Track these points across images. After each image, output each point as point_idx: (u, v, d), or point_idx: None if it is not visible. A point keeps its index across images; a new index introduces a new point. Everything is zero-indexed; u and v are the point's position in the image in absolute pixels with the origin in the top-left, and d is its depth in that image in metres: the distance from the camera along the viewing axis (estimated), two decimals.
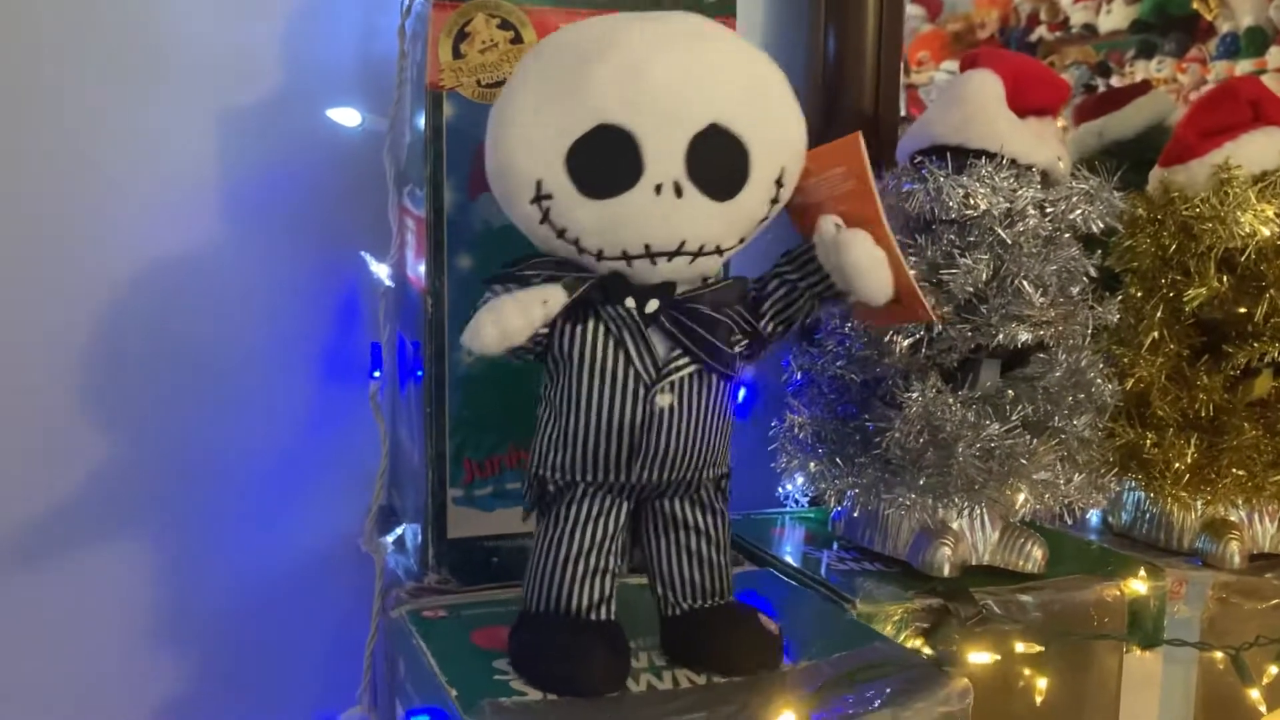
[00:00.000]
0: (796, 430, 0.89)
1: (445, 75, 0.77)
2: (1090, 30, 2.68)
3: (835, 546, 0.94)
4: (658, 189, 0.61)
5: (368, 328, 0.97)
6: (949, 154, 0.83)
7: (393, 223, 0.88)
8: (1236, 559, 0.91)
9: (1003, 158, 0.82)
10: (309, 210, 0.94)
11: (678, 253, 0.63)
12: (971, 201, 0.81)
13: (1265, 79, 2.30)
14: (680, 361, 0.64)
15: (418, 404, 0.85)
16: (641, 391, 0.64)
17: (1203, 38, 2.50)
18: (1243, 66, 2.36)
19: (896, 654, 0.70)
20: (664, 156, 0.61)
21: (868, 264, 0.64)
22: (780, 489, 1.00)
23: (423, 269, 0.81)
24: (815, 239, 0.66)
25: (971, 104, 0.84)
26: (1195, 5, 2.51)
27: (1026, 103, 0.85)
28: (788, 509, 1.02)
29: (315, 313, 0.96)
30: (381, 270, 0.87)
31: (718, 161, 0.62)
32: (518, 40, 0.78)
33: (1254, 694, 0.86)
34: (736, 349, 0.67)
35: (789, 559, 0.92)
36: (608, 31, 0.62)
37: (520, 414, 0.82)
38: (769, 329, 0.68)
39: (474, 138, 0.77)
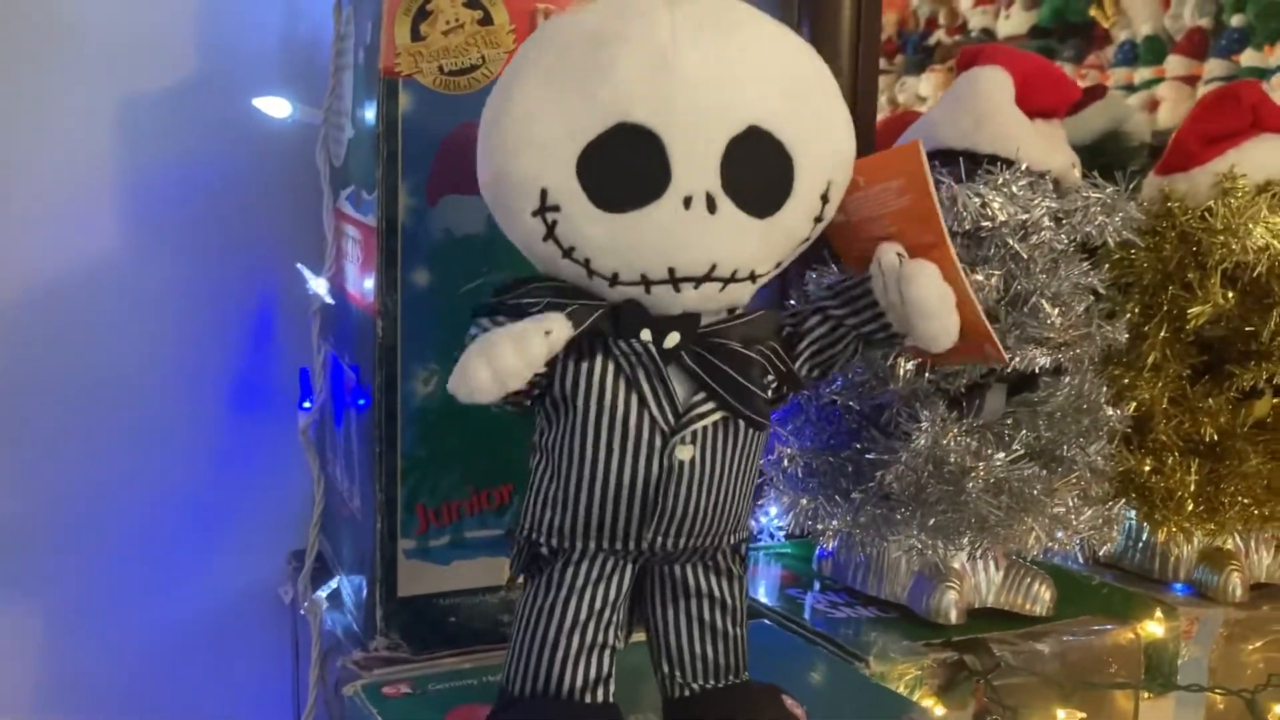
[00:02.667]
0: (786, 463, 0.80)
1: (402, 60, 0.66)
2: (989, 35, 2.68)
3: (819, 587, 0.86)
4: (687, 202, 0.51)
5: (290, 349, 0.85)
6: (958, 159, 0.75)
7: (327, 230, 0.76)
8: (1239, 591, 0.86)
9: (1018, 164, 0.75)
10: (225, 213, 0.83)
11: (707, 278, 0.53)
12: (989, 212, 0.73)
13: (1163, 88, 2.33)
14: (704, 407, 0.54)
15: (360, 438, 0.74)
16: (658, 442, 0.54)
17: (1100, 44, 2.53)
18: (1141, 74, 2.38)
19: None
20: (695, 163, 0.51)
21: (936, 304, 0.55)
22: (753, 522, 0.92)
23: (368, 284, 0.70)
24: (873, 270, 0.57)
25: (983, 104, 0.76)
26: (1093, 12, 2.53)
27: (1034, 104, 0.78)
28: (763, 544, 0.94)
29: (230, 331, 0.85)
30: (320, 285, 0.75)
31: (758, 171, 0.52)
32: (487, 21, 0.67)
33: None
34: (768, 393, 0.57)
35: (767, 601, 0.83)
36: (628, 13, 0.52)
37: (482, 451, 0.72)
38: (804, 371, 0.58)
39: (435, 133, 0.68)
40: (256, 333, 0.85)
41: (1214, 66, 2.24)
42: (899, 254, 0.56)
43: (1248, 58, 2.18)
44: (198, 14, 0.80)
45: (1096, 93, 1.27)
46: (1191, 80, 2.26)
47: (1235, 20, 2.23)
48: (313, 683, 0.73)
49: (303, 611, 0.76)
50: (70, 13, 0.77)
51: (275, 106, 0.77)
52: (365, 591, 0.73)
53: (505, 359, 0.50)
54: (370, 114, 0.68)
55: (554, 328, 0.52)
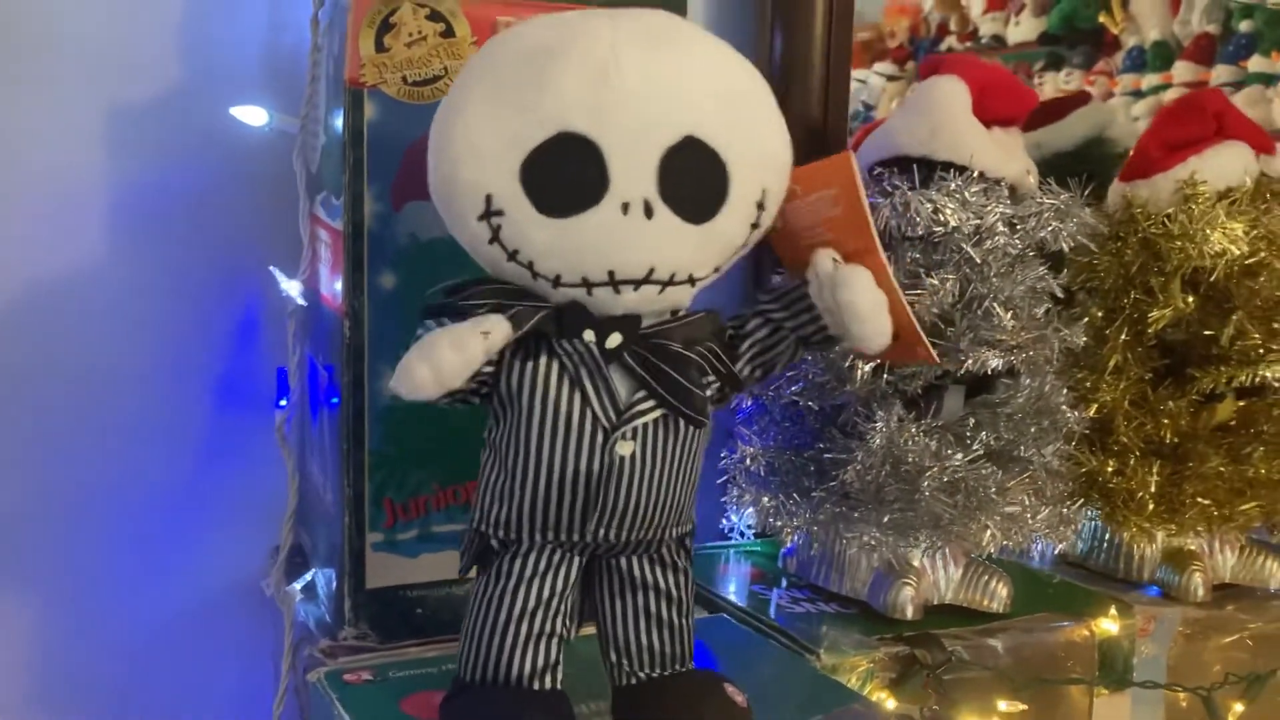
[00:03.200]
0: (748, 462, 0.82)
1: (366, 71, 0.68)
2: (999, 42, 2.69)
3: (785, 584, 0.88)
4: (625, 208, 0.53)
5: (271, 350, 0.88)
6: (914, 166, 0.77)
7: (304, 234, 0.79)
8: (1201, 591, 0.88)
9: (972, 171, 0.77)
10: (207, 218, 0.85)
11: (646, 281, 0.55)
12: (940, 217, 0.75)
13: (1171, 94, 2.33)
14: (645, 405, 0.56)
15: (331, 436, 0.76)
16: (600, 438, 0.56)
17: (1109, 51, 2.53)
18: (1149, 80, 2.39)
19: (879, 719, 0.64)
20: (633, 171, 0.53)
21: (868, 308, 0.58)
22: (724, 521, 0.94)
23: (339, 287, 0.73)
24: (810, 275, 0.59)
25: (939, 113, 0.78)
26: (1102, 19, 2.53)
27: (992, 112, 0.80)
28: (733, 542, 0.96)
29: (212, 332, 0.87)
30: (293, 288, 0.78)
31: (693, 179, 0.55)
32: (449, 34, 0.69)
33: None
34: (708, 392, 0.59)
35: (735, 598, 0.85)
36: (571, 27, 0.54)
37: (448, 449, 0.75)
38: (745, 372, 0.61)
39: (399, 141, 0.70)
40: (239, 333, 0.87)
41: (1221, 72, 2.24)
42: (834, 259, 0.58)
43: (1255, 63, 2.18)
44: (182, 26, 0.82)
45: (1079, 99, 1.29)
46: (1199, 86, 2.26)
47: (1244, 26, 2.23)
48: (284, 671, 0.75)
49: (275, 599, 0.79)
50: (58, 25, 0.80)
51: (252, 115, 0.80)
52: (335, 583, 0.75)
53: (444, 358, 0.53)
54: (339, 122, 0.71)
55: (492, 329, 0.54)
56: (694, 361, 0.58)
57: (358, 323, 0.71)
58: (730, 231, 0.57)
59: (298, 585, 0.80)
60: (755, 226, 0.58)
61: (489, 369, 0.56)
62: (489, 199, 0.54)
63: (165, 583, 0.89)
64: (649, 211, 0.54)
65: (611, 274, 0.55)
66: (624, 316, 0.56)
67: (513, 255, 0.55)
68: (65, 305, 0.82)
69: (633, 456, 0.56)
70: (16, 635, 0.85)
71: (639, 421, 0.56)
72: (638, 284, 0.55)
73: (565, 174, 0.53)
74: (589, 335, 0.56)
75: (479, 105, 0.54)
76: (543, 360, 0.56)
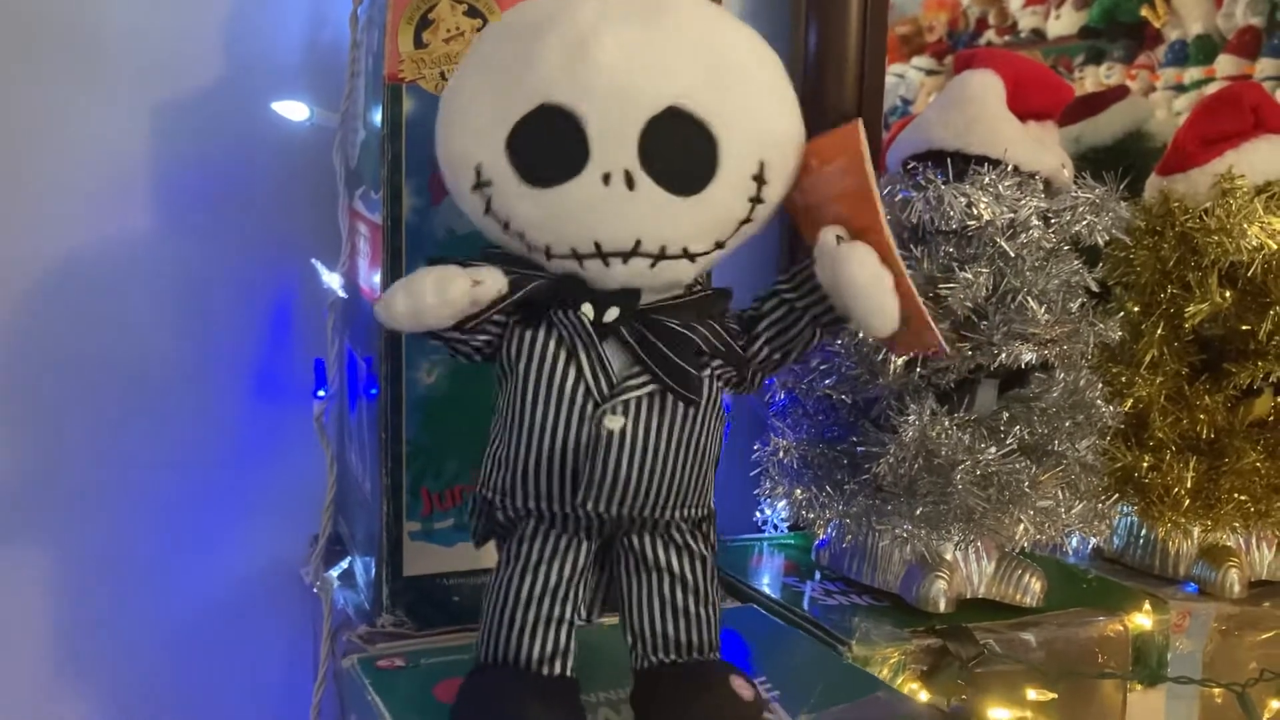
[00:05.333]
0: (781, 454, 0.83)
1: (405, 67, 0.69)
2: (1039, 35, 2.66)
3: (819, 577, 0.88)
4: (606, 179, 0.54)
5: (310, 341, 0.89)
6: (948, 160, 0.77)
7: (342, 227, 0.80)
8: (1237, 587, 0.87)
9: (1006, 165, 0.77)
10: (249, 211, 0.86)
11: (634, 253, 0.55)
12: (974, 211, 0.75)
13: (1212, 88, 2.31)
14: (636, 380, 0.56)
15: (369, 425, 0.77)
16: (590, 410, 0.56)
17: (1151, 44, 2.50)
18: (1191, 74, 2.36)
19: (904, 707, 0.64)
20: (613, 142, 0.53)
21: (867, 284, 0.56)
22: (758, 513, 0.94)
23: (377, 279, 0.74)
24: (816, 252, 0.58)
25: (973, 106, 0.78)
26: (1144, 12, 2.50)
27: (1026, 106, 0.80)
28: (766, 535, 0.96)
29: (253, 323, 0.89)
30: (333, 280, 0.79)
31: (677, 150, 0.54)
32: None
33: None
34: (707, 372, 0.58)
35: (769, 590, 0.86)
36: (561, 4, 0.55)
37: (485, 440, 0.75)
38: (763, 354, 0.60)
39: None
40: (279, 325, 0.89)
41: (1266, 66, 2.21)
42: (838, 236, 0.56)
43: None
44: (225, 23, 0.84)
45: (1118, 93, 1.29)
46: (1243, 80, 2.23)
47: None
48: (323, 656, 0.77)
49: (315, 590, 0.80)
50: (106, 23, 0.82)
51: (293, 110, 0.81)
52: (373, 571, 0.77)
53: (423, 293, 0.54)
54: (378, 117, 0.72)
55: (486, 279, 0.55)
56: (690, 340, 0.57)
57: None
58: (724, 205, 0.56)
59: (336, 573, 0.81)
60: (757, 200, 0.57)
61: (496, 332, 0.57)
62: (478, 170, 0.55)
63: (206, 569, 0.91)
64: (630, 182, 0.54)
65: (598, 245, 0.55)
66: (623, 291, 0.57)
67: (505, 226, 0.56)
68: (109, 295, 0.84)
69: (622, 431, 0.56)
70: (60, 621, 0.87)
71: (629, 395, 0.56)
72: (626, 256, 0.55)
73: (547, 145, 0.54)
74: (586, 308, 0.56)
75: (472, 79, 0.56)
76: (541, 331, 0.57)
